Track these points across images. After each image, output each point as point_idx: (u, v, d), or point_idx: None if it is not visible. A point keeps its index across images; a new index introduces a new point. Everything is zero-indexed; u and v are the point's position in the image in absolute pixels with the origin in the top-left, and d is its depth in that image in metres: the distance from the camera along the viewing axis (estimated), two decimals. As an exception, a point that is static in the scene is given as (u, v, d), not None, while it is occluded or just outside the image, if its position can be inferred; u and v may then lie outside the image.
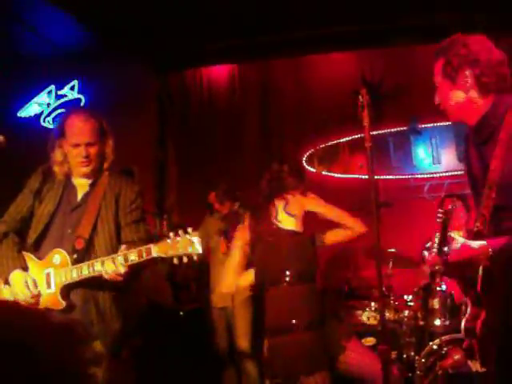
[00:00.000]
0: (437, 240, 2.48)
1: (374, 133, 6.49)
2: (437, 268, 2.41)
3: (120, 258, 2.75)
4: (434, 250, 2.45)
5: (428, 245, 2.57)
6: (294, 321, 3.12)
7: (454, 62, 2.45)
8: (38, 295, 2.89)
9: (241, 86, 7.17)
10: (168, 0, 5.80)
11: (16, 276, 2.90)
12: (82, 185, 3.08)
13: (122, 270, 2.72)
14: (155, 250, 2.71)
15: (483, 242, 2.24)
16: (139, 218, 3.07)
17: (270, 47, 6.82)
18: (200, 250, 2.69)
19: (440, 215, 2.35)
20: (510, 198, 2.29)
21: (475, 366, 2.29)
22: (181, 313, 5.76)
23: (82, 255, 2.88)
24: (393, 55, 6.57)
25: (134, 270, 2.81)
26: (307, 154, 6.58)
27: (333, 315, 3.39)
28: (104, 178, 3.08)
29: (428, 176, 6.44)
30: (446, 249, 2.35)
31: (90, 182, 3.07)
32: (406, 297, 4.84)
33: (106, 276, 2.77)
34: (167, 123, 7.47)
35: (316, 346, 3.15)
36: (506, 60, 2.45)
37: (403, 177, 6.62)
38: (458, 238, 2.30)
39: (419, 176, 6.53)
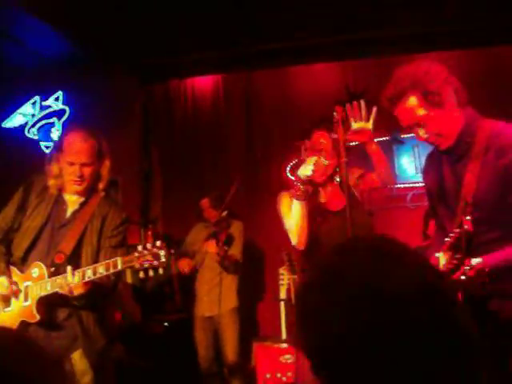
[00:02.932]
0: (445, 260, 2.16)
1: (357, 143, 6.50)
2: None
3: (89, 272, 2.81)
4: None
5: None
6: None
7: (432, 87, 2.31)
8: (11, 292, 2.92)
9: (225, 97, 7.19)
10: (152, 12, 5.83)
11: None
12: (72, 201, 3.09)
13: (76, 281, 2.78)
14: (121, 263, 2.77)
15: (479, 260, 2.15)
16: (119, 243, 3.10)
17: (254, 58, 6.85)
18: (165, 264, 2.74)
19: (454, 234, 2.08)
20: (484, 211, 2.26)
21: None
22: (165, 323, 5.75)
23: (62, 269, 2.90)
24: (376, 65, 6.62)
25: (96, 287, 2.88)
26: (291, 163, 6.61)
27: None
28: (95, 199, 3.11)
29: (411, 185, 6.46)
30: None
31: (81, 200, 3.09)
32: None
33: (60, 291, 2.83)
34: (152, 133, 7.48)
35: None
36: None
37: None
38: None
39: (402, 185, 6.54)
